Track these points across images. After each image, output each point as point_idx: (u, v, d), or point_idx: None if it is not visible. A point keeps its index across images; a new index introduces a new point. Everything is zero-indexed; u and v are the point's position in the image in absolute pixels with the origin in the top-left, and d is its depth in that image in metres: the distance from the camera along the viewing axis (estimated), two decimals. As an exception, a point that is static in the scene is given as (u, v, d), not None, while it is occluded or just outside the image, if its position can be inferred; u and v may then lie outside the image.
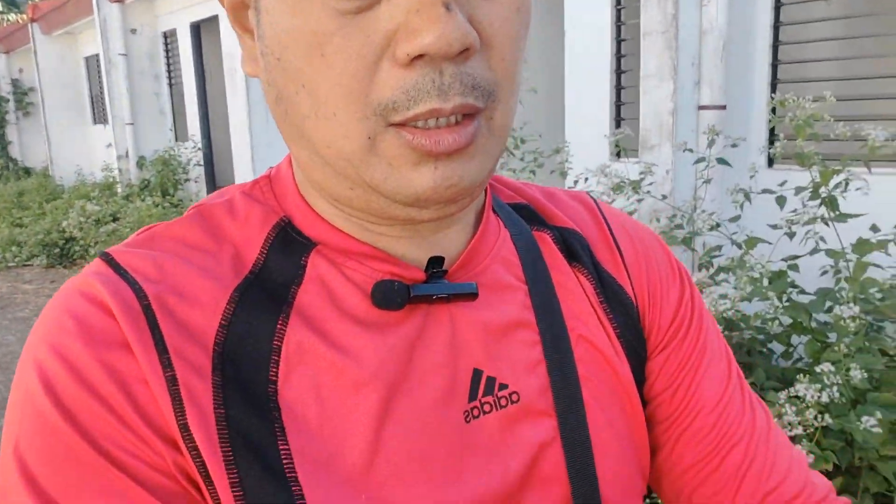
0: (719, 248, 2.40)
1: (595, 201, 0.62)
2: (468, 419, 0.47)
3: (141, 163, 8.89)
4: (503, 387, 0.49)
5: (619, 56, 3.85)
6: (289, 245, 0.47)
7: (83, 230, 6.71)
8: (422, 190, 0.42)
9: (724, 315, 2.00)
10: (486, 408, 0.48)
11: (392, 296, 0.46)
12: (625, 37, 3.83)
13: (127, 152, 9.10)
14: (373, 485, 0.43)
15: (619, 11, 3.82)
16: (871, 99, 3.23)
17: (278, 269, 0.46)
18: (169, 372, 0.41)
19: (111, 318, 0.42)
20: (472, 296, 0.48)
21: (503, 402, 0.48)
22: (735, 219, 2.23)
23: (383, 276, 0.47)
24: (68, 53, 11.68)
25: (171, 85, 9.10)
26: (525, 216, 0.58)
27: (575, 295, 0.54)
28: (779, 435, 0.57)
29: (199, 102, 8.31)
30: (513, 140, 3.34)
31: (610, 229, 0.59)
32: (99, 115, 11.49)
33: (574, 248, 0.56)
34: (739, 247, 2.35)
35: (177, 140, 9.04)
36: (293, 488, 0.41)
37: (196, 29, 8.15)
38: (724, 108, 3.07)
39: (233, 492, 0.40)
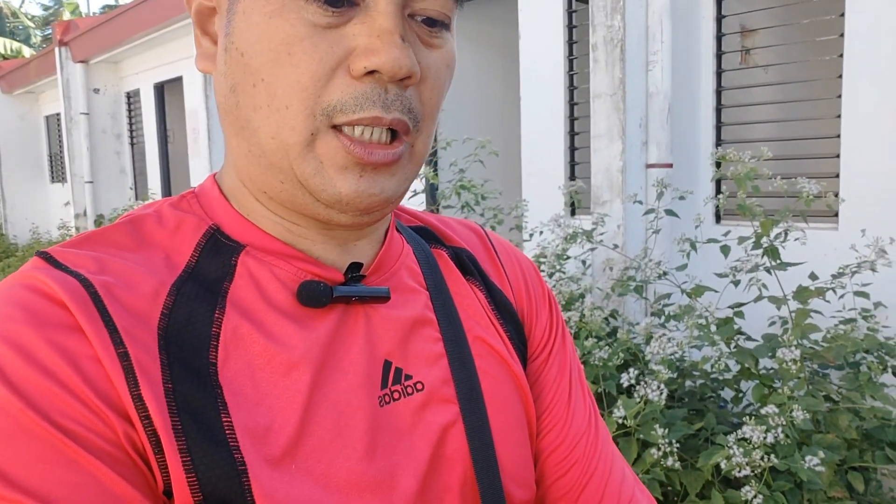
0: (668, 295, 2.49)
1: (482, 228, 0.71)
2: (381, 404, 0.53)
3: (99, 221, 8.79)
4: (409, 377, 0.55)
5: (572, 118, 4.02)
6: (219, 248, 0.52)
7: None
8: (345, 193, 0.48)
9: (674, 361, 2.07)
10: (396, 395, 0.54)
11: (317, 295, 0.51)
12: (577, 99, 4.02)
13: (85, 210, 9.00)
14: (300, 455, 0.48)
15: (571, 76, 4.01)
16: (809, 158, 3.43)
17: (211, 267, 0.51)
18: (121, 349, 0.44)
19: (58, 305, 0.44)
20: (385, 298, 0.55)
21: (409, 390, 0.55)
22: (682, 267, 2.33)
23: (307, 276, 0.52)
24: (28, 112, 11.63)
25: (132, 144, 9.10)
26: (424, 236, 0.65)
27: (470, 302, 0.62)
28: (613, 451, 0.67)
29: (160, 161, 8.32)
30: (473, 196, 3.43)
31: (495, 251, 0.68)
32: (57, 174, 11.38)
33: (466, 264, 0.64)
34: (688, 295, 2.44)
35: (137, 199, 8.99)
36: (235, 456, 0.45)
37: (160, 89, 8.23)
38: (670, 166, 3.22)
39: (181, 459, 0.43)
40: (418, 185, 3.55)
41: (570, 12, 4.00)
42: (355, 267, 0.55)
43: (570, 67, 4.02)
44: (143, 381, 0.44)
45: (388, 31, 0.46)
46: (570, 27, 3.99)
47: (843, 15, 3.03)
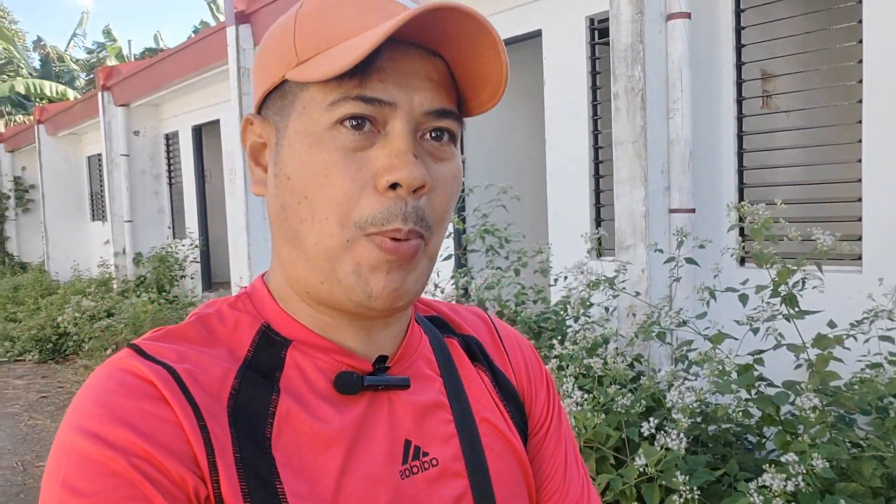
0: (690, 342, 2.54)
1: (488, 315, 0.81)
2: (402, 477, 0.62)
3: (138, 259, 9.06)
4: (426, 454, 0.64)
5: (596, 162, 4.11)
6: (271, 343, 0.63)
7: (78, 325, 6.79)
8: (375, 290, 0.58)
9: (693, 408, 2.11)
10: (415, 470, 0.63)
11: (351, 385, 0.62)
12: (601, 143, 4.11)
13: (124, 249, 9.29)
14: None
15: (595, 121, 4.11)
16: (831, 202, 3.46)
17: (265, 358, 0.62)
18: (201, 422, 0.54)
19: (149, 384, 0.55)
20: (406, 386, 0.65)
21: (426, 465, 0.64)
22: (702, 316, 2.38)
23: (342, 367, 0.63)
24: (71, 153, 12.09)
25: (170, 184, 9.40)
26: (437, 325, 0.76)
27: (477, 386, 0.72)
28: None
29: (197, 201, 8.59)
30: (497, 240, 3.53)
31: (500, 337, 0.78)
32: (97, 212, 11.77)
33: (474, 351, 0.75)
34: (710, 340, 2.49)
35: (174, 237, 9.26)
36: None
37: (198, 132, 8.53)
38: (693, 211, 3.28)
39: None
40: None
41: (592, 59, 4.11)
42: (381, 358, 0.65)
43: (594, 112, 4.12)
44: (217, 450, 0.54)
45: (403, 151, 0.57)
46: (594, 73, 4.10)
47: (861, 61, 3.09)
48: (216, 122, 7.94)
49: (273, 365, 0.61)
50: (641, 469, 2.10)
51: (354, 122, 0.57)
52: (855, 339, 2.44)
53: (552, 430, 0.75)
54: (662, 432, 2.05)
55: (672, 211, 3.29)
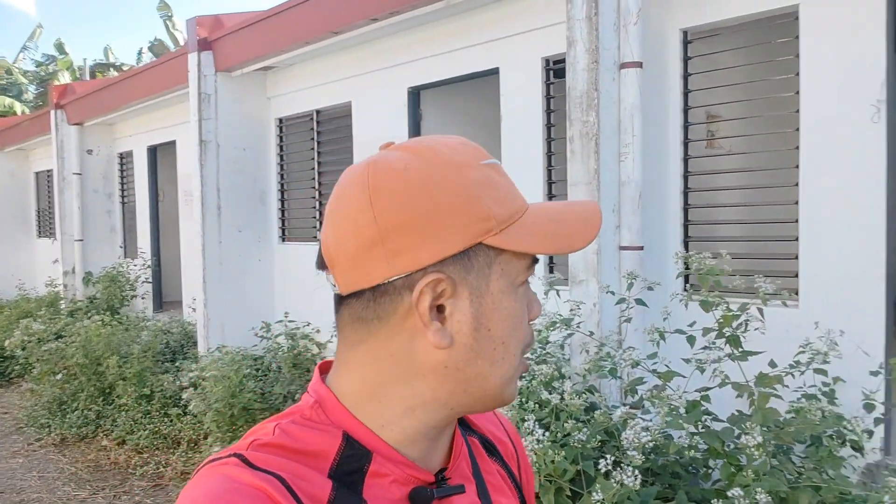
0: (641, 379, 2.69)
1: (496, 414, 0.92)
2: None
3: (87, 279, 8.89)
4: None
5: (550, 196, 4.27)
6: (354, 454, 0.69)
7: (26, 349, 6.64)
8: (514, 394, 0.73)
9: (646, 444, 2.25)
10: None
11: (425, 499, 0.71)
12: (555, 180, 4.28)
13: (73, 268, 9.11)
14: None
15: (549, 158, 4.28)
16: (770, 240, 3.68)
17: (350, 469, 0.68)
18: None
19: (262, 491, 0.61)
20: (462, 492, 0.75)
21: None
22: (652, 356, 2.53)
23: (413, 480, 0.71)
24: (18, 169, 11.78)
25: (123, 203, 9.27)
26: (460, 423, 0.85)
27: (497, 480, 0.83)
28: None
29: (150, 221, 8.49)
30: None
31: (510, 437, 0.90)
32: (44, 229, 11.48)
33: (491, 447, 0.85)
34: (659, 377, 2.65)
35: (126, 256, 9.12)
36: None
37: (153, 152, 8.45)
38: (641, 248, 3.45)
39: None
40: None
41: (547, 98, 4.28)
42: (440, 471, 0.74)
43: (549, 149, 4.29)
44: None
45: (535, 295, 0.74)
46: (548, 112, 4.27)
47: (797, 111, 3.32)
48: (172, 143, 7.89)
49: (357, 475, 0.68)
50: (598, 503, 2.22)
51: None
52: (793, 376, 2.63)
53: None
54: (618, 469, 2.18)
55: (622, 248, 3.46)
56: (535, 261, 0.70)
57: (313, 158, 6.05)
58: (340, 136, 5.77)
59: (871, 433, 2.75)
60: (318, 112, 5.95)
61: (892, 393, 3.02)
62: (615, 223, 3.44)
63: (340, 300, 0.69)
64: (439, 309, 0.66)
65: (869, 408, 2.74)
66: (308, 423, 0.70)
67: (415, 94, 5.13)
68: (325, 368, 0.77)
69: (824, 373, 2.68)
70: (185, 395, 4.62)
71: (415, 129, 5.15)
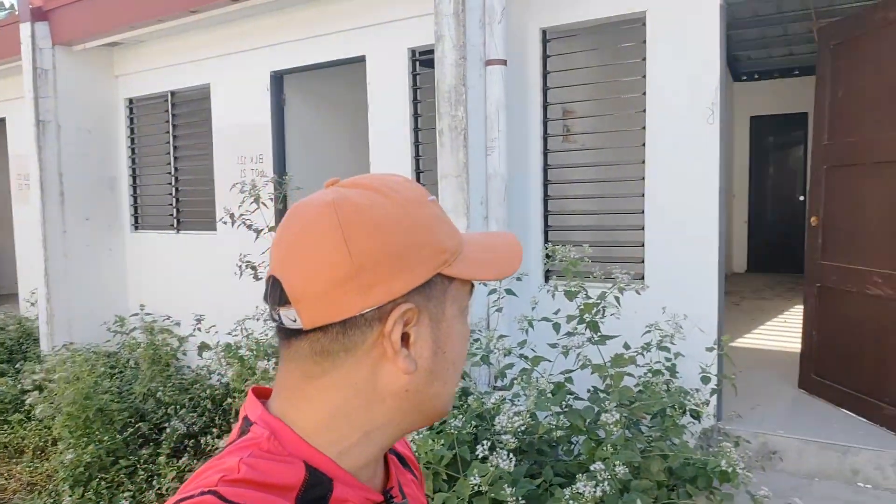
0: (510, 365, 2.86)
1: None
2: None
3: None
4: None
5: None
6: (319, 482, 0.71)
7: None
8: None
9: (519, 428, 2.41)
10: None
11: None
12: (423, 169, 4.37)
13: None
14: None
15: (417, 147, 4.36)
16: (619, 230, 4.00)
17: (316, 494, 0.71)
18: None
19: None
20: None
21: None
22: (522, 343, 2.70)
23: (368, 503, 0.74)
24: None
25: (-59, 185, 8.31)
26: None
27: (413, 490, 0.89)
28: None
29: (-24, 206, 7.68)
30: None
31: (406, 445, 0.96)
32: None
33: (402, 460, 0.91)
34: (527, 360, 2.83)
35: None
36: None
37: (-24, 129, 7.62)
38: (509, 238, 3.63)
39: None
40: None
41: (414, 89, 4.35)
42: (387, 490, 0.79)
43: (416, 139, 4.36)
44: None
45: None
46: (416, 101, 4.35)
47: (644, 111, 3.62)
48: (1, 121, 7.17)
49: (322, 501, 0.70)
50: (475, 487, 2.36)
51: None
52: (643, 355, 2.90)
53: None
54: (495, 453, 2.32)
55: (490, 238, 3.61)
56: (473, 287, 0.77)
57: (168, 143, 5.74)
58: (198, 119, 5.51)
59: (707, 402, 3.09)
60: (173, 94, 5.65)
61: (724, 366, 3.41)
62: (483, 214, 3.59)
63: (295, 333, 0.70)
64: (404, 336, 0.70)
65: (705, 380, 3.08)
66: (269, 456, 0.71)
67: (278, 79, 5.01)
68: (263, 394, 0.77)
69: (667, 349, 2.98)
70: (28, 400, 4.28)
71: (278, 114, 5.03)
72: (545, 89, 3.93)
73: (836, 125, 3.75)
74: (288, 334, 0.71)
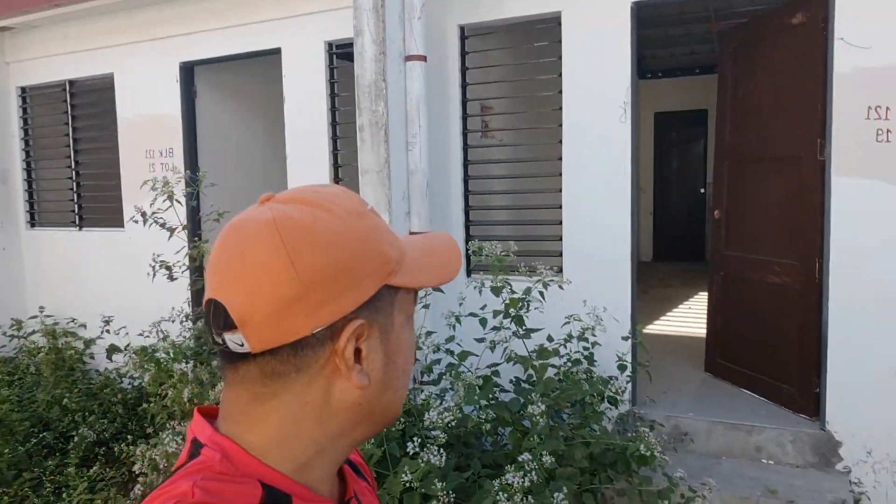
0: (438, 361, 2.88)
1: None
2: None
3: None
4: None
5: (337, 181, 4.31)
6: (275, 499, 0.69)
7: None
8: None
9: (448, 423, 2.44)
10: None
11: None
12: (343, 176, 4.32)
13: None
14: None
15: (335, 142, 4.31)
16: (539, 224, 4.09)
17: None
18: None
19: None
20: None
21: None
22: (450, 339, 2.72)
23: None
24: None
25: None
26: None
27: (369, 498, 0.88)
28: None
29: None
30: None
31: (358, 453, 0.96)
32: None
33: (356, 469, 0.90)
34: (453, 354, 2.87)
35: None
36: None
37: None
38: (431, 233, 3.65)
39: None
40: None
41: (332, 82, 4.29)
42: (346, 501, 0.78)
43: (334, 133, 4.31)
44: None
45: None
46: (333, 95, 4.29)
47: (560, 108, 3.71)
48: None
49: None
50: (407, 484, 2.37)
51: None
52: (564, 346, 2.99)
53: None
54: (426, 450, 2.34)
55: (412, 234, 3.62)
56: (417, 293, 0.77)
57: (68, 135, 5.42)
58: (100, 110, 5.23)
59: (624, 390, 3.22)
60: (71, 83, 5.33)
61: (639, 353, 3.56)
62: (405, 210, 3.59)
63: (242, 357, 0.68)
64: (356, 351, 0.69)
65: (622, 368, 3.21)
66: (223, 478, 0.69)
67: (188, 70, 4.83)
68: (210, 413, 0.75)
69: (586, 340, 3.08)
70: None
71: (188, 106, 4.85)
72: (464, 85, 3.96)
73: (737, 123, 3.97)
74: (233, 358, 0.68)
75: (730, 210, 4.05)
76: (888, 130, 3.11)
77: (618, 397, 3.08)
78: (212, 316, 0.67)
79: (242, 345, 0.66)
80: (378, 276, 0.69)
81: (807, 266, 3.41)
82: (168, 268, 3.26)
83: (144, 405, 3.24)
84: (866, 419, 3.23)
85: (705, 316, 4.33)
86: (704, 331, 4.36)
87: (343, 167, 4.33)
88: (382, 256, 0.69)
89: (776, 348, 3.67)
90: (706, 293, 4.30)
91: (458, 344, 2.96)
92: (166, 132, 4.85)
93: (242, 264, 0.66)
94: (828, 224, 3.24)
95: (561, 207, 3.76)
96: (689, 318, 6.07)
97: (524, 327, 2.76)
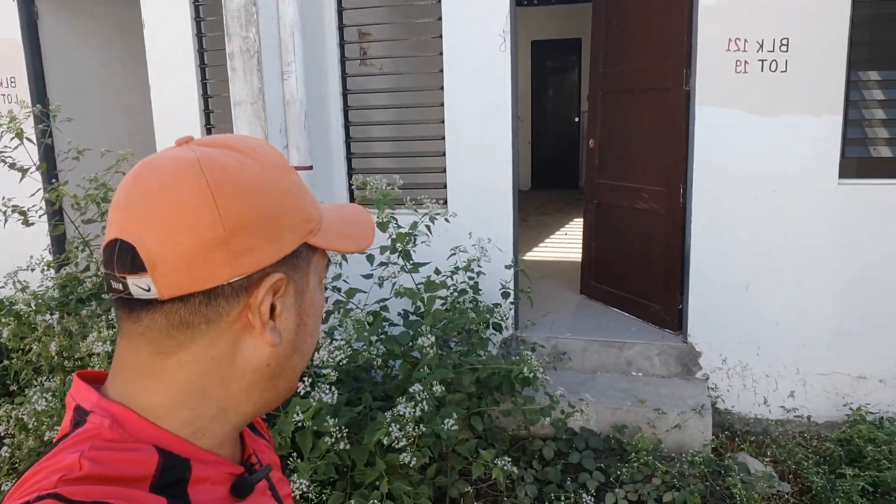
0: (326, 299, 2.85)
1: None
2: None
3: None
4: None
5: (209, 127, 4.06)
6: (174, 464, 0.66)
7: None
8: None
9: (340, 361, 2.44)
10: None
11: (247, 489, 0.72)
12: (213, 108, 4.07)
13: None
14: None
15: (204, 85, 4.03)
16: (422, 156, 4.07)
17: (173, 479, 0.65)
18: None
19: None
20: (270, 470, 0.78)
21: None
22: (337, 277, 2.69)
23: (230, 478, 0.71)
24: None
25: None
26: None
27: (269, 455, 0.87)
28: None
29: None
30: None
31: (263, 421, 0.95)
32: None
33: (252, 427, 0.87)
34: (343, 293, 2.85)
35: None
36: None
37: None
38: (311, 168, 3.55)
39: None
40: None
41: (197, 18, 3.99)
42: (246, 460, 0.76)
43: (203, 76, 4.03)
44: None
45: None
46: (199, 20, 3.99)
47: (440, 36, 3.65)
48: None
49: (180, 485, 0.65)
50: (299, 423, 2.36)
51: None
52: (451, 278, 3.04)
53: None
54: (317, 388, 2.33)
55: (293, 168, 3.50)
56: (329, 259, 0.75)
57: None
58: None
59: (507, 316, 3.34)
60: None
61: (520, 280, 3.69)
62: (283, 143, 3.46)
63: (146, 304, 0.63)
64: (271, 308, 0.66)
65: (506, 295, 3.31)
66: (114, 446, 0.64)
67: (27, -11, 4.32)
68: (94, 378, 0.70)
69: (472, 271, 3.15)
70: None
71: (30, 30, 4.36)
72: (340, 10, 3.80)
73: (610, 54, 4.07)
74: (135, 305, 0.63)
75: (603, 139, 4.20)
76: (745, 62, 3.30)
77: (502, 323, 3.19)
78: (116, 257, 0.62)
79: (149, 289, 0.61)
80: (300, 232, 0.67)
81: (672, 192, 3.62)
82: (23, 213, 2.98)
83: (6, 362, 3.01)
84: (722, 331, 3.54)
85: (581, 242, 4.53)
86: (580, 256, 4.56)
87: (213, 98, 4.08)
88: (305, 213, 0.68)
89: (644, 270, 3.91)
90: (581, 220, 4.48)
91: (345, 281, 2.93)
92: (5, 60, 4.36)
93: (161, 203, 0.61)
94: (692, 152, 3.44)
95: (444, 138, 3.75)
96: (565, 244, 6.34)
97: (412, 262, 2.77)
